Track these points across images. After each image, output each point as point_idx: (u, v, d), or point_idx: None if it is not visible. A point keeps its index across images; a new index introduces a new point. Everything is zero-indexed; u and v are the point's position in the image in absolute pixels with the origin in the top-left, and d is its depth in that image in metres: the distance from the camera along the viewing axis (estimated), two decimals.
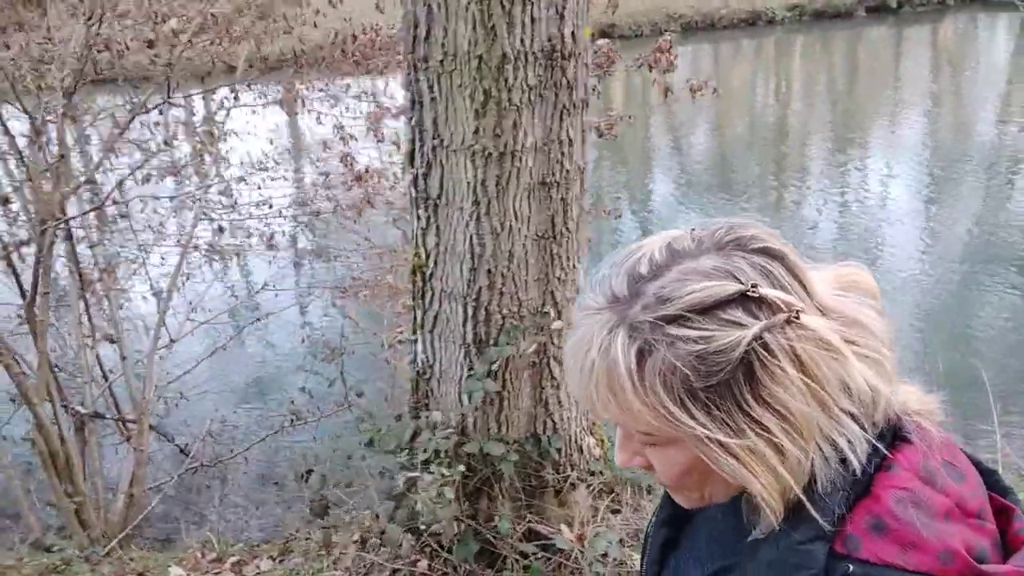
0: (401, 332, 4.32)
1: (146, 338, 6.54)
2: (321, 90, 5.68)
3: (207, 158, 5.20)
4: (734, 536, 0.87)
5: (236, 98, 5.30)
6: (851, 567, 0.75)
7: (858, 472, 0.77)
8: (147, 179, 5.23)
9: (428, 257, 2.87)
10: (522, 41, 2.42)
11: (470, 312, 2.82)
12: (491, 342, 2.83)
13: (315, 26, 4.98)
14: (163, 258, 6.67)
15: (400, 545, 2.87)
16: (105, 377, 6.08)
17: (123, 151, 5.96)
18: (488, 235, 2.70)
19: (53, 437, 5.12)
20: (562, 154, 2.66)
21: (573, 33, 2.49)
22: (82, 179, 4.96)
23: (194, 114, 6.11)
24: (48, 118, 5.33)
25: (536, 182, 2.66)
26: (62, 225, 4.65)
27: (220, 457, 5.91)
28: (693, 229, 0.84)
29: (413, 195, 2.84)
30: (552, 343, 2.94)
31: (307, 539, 4.09)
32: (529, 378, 2.99)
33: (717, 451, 0.77)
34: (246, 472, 5.88)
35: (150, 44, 4.07)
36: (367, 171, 4.45)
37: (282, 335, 7.22)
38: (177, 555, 4.56)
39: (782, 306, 0.76)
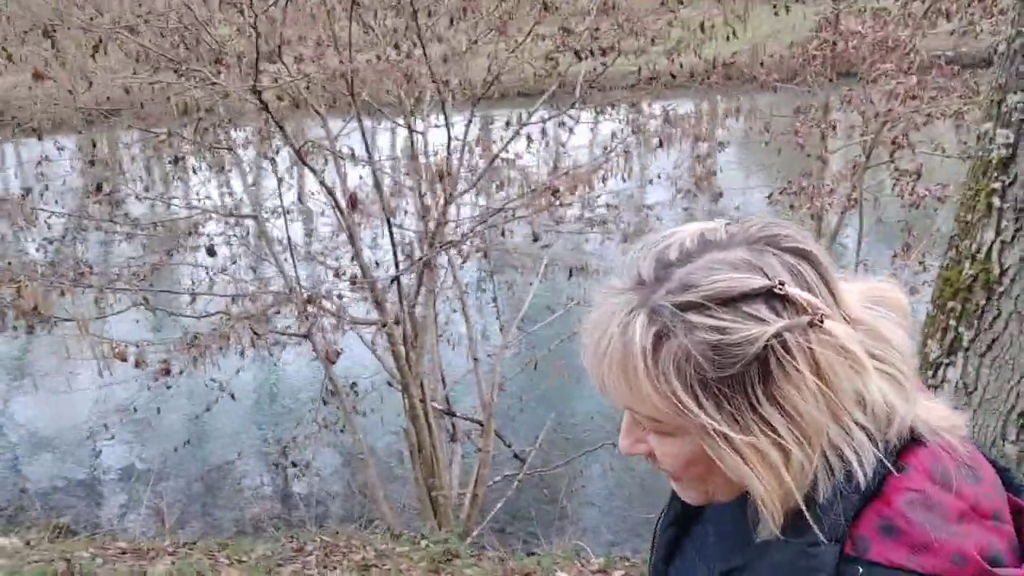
0: None
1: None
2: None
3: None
4: (743, 537, 0.84)
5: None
6: (861, 569, 0.73)
7: (861, 487, 0.75)
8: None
9: (1003, 274, 2.62)
10: None
11: None
12: None
13: (727, 39, 4.95)
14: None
15: None
16: (442, 379, 6.33)
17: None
18: None
19: (424, 430, 5.34)
20: None
21: None
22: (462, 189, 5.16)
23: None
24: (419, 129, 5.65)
25: None
26: (450, 245, 4.86)
27: (552, 464, 5.96)
28: (728, 223, 0.81)
29: (997, 204, 2.61)
30: None
31: None
32: None
33: (722, 445, 0.76)
34: (584, 484, 5.88)
35: (579, 55, 4.19)
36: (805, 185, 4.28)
37: None
38: (554, 560, 4.57)
39: (807, 308, 0.74)
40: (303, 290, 5.08)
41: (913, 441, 0.79)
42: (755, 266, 0.76)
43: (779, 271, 0.76)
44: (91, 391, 8.52)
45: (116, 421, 7.78)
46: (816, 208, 3.99)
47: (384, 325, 4.95)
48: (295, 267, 5.41)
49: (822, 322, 0.74)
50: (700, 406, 0.75)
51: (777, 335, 0.73)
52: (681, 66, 4.59)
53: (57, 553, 4.93)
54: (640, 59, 4.53)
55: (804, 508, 0.75)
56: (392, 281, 4.69)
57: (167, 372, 4.14)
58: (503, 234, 4.35)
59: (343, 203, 4.52)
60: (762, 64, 4.86)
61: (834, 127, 4.73)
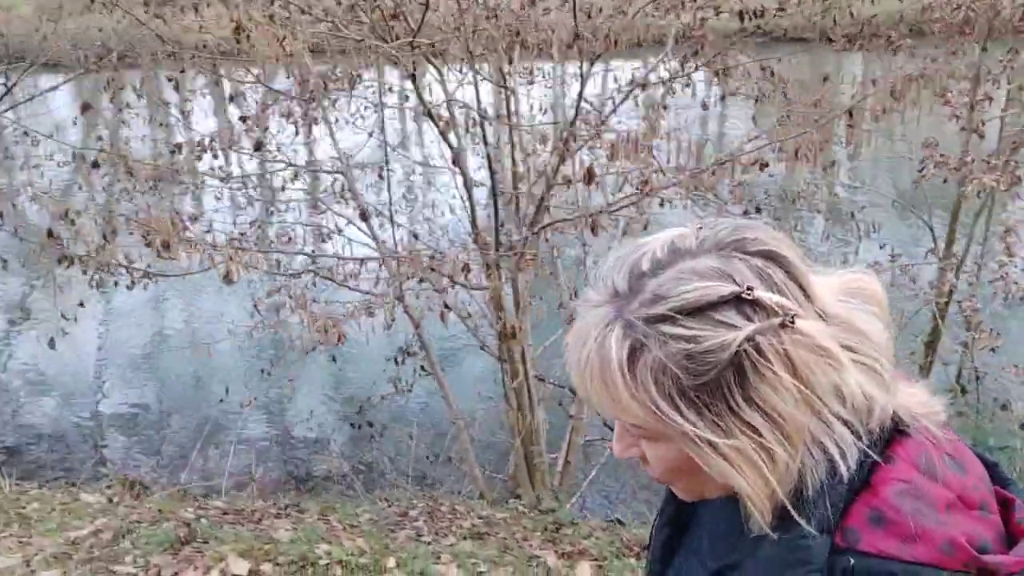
0: None
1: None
2: None
3: None
4: (736, 534, 0.85)
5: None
6: (852, 560, 0.74)
7: (845, 480, 0.76)
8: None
9: None
10: None
11: None
12: None
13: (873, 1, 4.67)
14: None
15: None
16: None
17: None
18: None
19: (524, 395, 5.25)
20: None
21: None
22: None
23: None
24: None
25: None
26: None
27: None
28: (700, 227, 0.82)
29: None
30: None
31: None
32: None
33: (706, 450, 0.77)
34: None
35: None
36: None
37: None
38: None
39: (777, 310, 0.75)
40: (398, 252, 4.93)
41: (898, 432, 0.80)
42: (724, 273, 0.76)
43: (747, 276, 0.76)
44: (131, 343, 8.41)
45: (173, 378, 7.69)
46: (982, 185, 3.83)
47: (494, 291, 4.82)
48: (393, 227, 5.26)
49: (793, 322, 0.74)
50: (681, 414, 0.76)
51: (749, 339, 0.74)
52: (835, 22, 4.31)
53: (153, 512, 4.85)
54: (783, 18, 4.29)
55: (791, 504, 0.76)
56: (521, 243, 4.54)
57: (340, 340, 4.01)
58: (661, 204, 4.18)
59: (461, 164, 4.35)
60: (908, 24, 4.61)
61: (990, 98, 4.55)
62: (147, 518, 4.75)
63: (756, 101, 4.22)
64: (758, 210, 4.37)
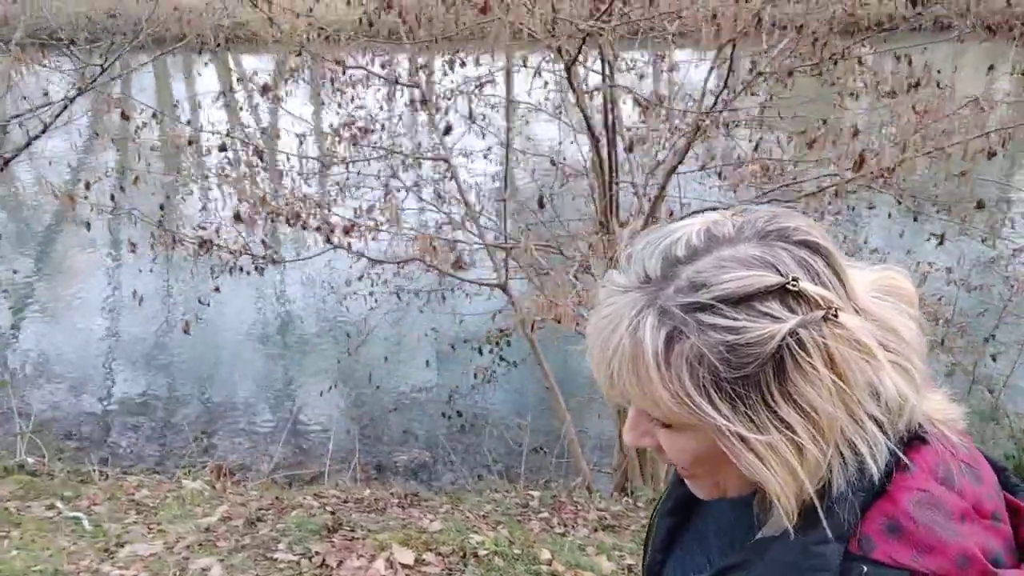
0: None
1: None
2: None
3: None
4: (743, 531, 0.85)
5: None
6: (865, 568, 0.73)
7: (875, 480, 0.75)
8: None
9: None
10: None
11: None
12: None
13: None
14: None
15: None
16: None
17: None
18: None
19: None
20: None
21: None
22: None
23: None
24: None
25: None
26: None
27: None
28: (734, 214, 0.80)
29: None
30: None
31: None
32: None
33: (737, 444, 0.75)
34: None
35: None
36: None
37: None
38: None
39: (821, 303, 0.73)
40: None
41: (917, 438, 0.79)
42: (767, 262, 0.74)
43: (791, 267, 0.74)
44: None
45: (250, 366, 7.64)
46: None
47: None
48: (505, 213, 5.20)
49: (836, 316, 0.73)
50: (714, 407, 0.74)
51: (792, 332, 0.72)
52: None
53: (270, 499, 4.82)
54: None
55: (817, 503, 0.75)
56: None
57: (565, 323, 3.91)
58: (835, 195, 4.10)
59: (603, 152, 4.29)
60: None
61: None
62: (265, 505, 4.71)
63: (909, 89, 4.14)
64: (980, 206, 4.28)
